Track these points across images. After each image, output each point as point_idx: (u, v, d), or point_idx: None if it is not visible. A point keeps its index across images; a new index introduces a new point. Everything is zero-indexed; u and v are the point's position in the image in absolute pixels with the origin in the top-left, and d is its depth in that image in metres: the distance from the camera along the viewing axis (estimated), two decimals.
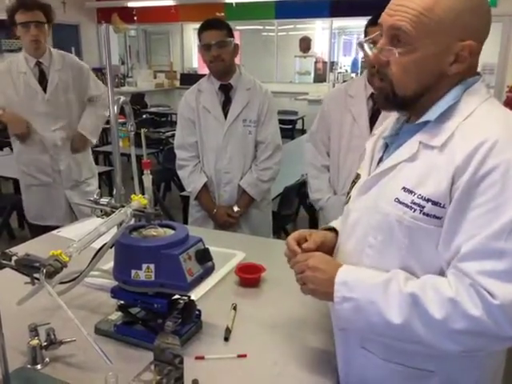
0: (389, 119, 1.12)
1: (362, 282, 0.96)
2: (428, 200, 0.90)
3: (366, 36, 1.96)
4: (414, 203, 0.92)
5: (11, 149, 6.61)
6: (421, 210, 0.91)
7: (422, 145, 0.94)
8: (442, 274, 0.92)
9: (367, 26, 1.97)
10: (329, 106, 2.21)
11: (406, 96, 0.95)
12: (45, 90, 2.66)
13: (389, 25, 0.93)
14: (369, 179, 1.04)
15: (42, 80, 2.66)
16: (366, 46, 0.99)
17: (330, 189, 2.20)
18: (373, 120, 2.05)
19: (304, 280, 1.04)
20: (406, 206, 0.93)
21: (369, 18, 1.94)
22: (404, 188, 0.93)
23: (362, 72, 7.90)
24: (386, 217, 0.96)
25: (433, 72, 0.93)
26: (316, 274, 1.02)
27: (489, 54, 7.67)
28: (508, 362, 1.09)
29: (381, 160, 1.06)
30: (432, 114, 0.95)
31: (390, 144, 1.06)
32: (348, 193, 1.16)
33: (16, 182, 4.63)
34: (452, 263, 0.89)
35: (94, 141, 2.92)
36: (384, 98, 0.99)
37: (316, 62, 10.22)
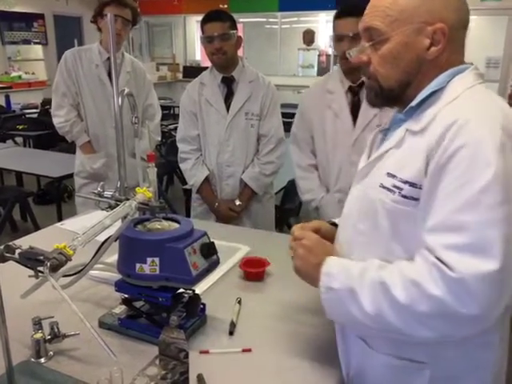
0: (390, 114, 1.13)
1: (344, 272, 0.98)
2: (406, 182, 0.93)
3: (334, 30, 1.94)
4: (395, 186, 0.94)
5: (15, 141, 6.58)
6: (399, 193, 0.93)
7: (408, 132, 0.97)
8: None
9: (335, 19, 1.91)
10: (307, 104, 2.16)
11: (392, 87, 0.99)
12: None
13: (362, 28, 1.01)
14: (362, 169, 1.08)
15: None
16: (348, 55, 1.07)
17: (321, 187, 2.14)
18: (354, 113, 2.03)
19: (295, 256, 1.08)
20: (388, 189, 0.95)
21: None
22: (388, 173, 0.97)
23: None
24: (372, 203, 0.99)
25: (410, 58, 0.96)
26: (306, 253, 1.06)
27: (494, 48, 7.61)
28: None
29: None
30: (414, 102, 0.98)
31: (385, 136, 1.09)
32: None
33: (19, 174, 4.64)
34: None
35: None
36: (374, 95, 1.03)
37: (319, 55, 10.16)
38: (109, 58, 2.59)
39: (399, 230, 0.95)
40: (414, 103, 0.97)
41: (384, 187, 0.96)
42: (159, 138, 3.06)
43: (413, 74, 0.97)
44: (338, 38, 1.91)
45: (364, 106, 2.00)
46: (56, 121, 2.66)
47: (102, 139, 2.69)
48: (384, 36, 0.96)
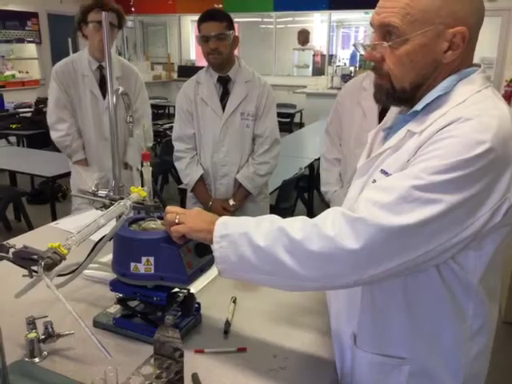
0: (391, 113, 1.12)
1: (239, 221, 1.02)
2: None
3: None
4: None
5: (8, 141, 6.55)
6: None
7: (409, 132, 0.95)
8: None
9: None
10: (343, 97, 2.19)
11: (405, 88, 0.96)
12: (104, 95, 2.54)
13: (377, 23, 0.94)
14: (360, 167, 1.07)
15: (103, 85, 2.54)
16: (359, 46, 1.01)
17: (338, 182, 2.19)
18: (382, 115, 2.03)
19: (183, 219, 1.06)
20: None
21: (367, 10, 1.91)
22: (381, 170, 0.97)
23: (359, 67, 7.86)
24: None
25: (427, 61, 0.93)
26: (199, 215, 1.09)
27: (488, 48, 7.66)
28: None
29: None
30: (419, 105, 0.96)
31: (387, 135, 1.08)
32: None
33: (12, 174, 4.61)
34: None
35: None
36: (385, 94, 0.99)
37: (314, 55, 10.19)
38: (99, 67, 2.54)
39: None
40: (418, 107, 0.95)
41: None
42: (150, 144, 3.00)
43: (427, 77, 0.94)
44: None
45: (392, 109, 2.01)
46: (56, 134, 2.60)
47: (96, 154, 2.65)
48: (403, 36, 0.90)
